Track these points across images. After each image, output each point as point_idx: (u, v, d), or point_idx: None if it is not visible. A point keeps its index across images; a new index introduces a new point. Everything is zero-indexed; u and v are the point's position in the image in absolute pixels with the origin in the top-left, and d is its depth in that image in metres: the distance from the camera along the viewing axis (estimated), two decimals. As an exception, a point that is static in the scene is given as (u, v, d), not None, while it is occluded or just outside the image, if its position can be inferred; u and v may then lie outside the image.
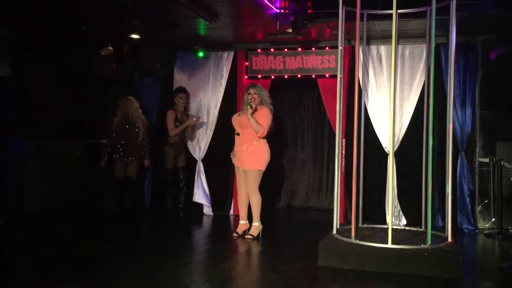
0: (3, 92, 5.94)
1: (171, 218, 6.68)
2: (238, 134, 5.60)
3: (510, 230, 6.07)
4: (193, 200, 7.04)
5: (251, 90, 5.56)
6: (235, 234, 5.60)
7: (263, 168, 5.49)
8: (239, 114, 5.69)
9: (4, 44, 6.12)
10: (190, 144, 7.05)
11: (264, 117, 5.41)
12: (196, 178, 7.07)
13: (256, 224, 5.50)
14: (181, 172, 6.82)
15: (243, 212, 5.66)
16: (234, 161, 5.73)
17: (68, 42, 6.50)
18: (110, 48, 6.54)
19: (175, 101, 6.73)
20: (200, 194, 7.06)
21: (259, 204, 5.47)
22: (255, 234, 5.48)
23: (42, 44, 6.40)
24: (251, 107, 5.34)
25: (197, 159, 7.09)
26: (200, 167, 7.08)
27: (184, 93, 6.77)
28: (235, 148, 5.64)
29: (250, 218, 5.61)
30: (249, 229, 5.58)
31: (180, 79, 7.22)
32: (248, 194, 5.50)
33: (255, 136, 5.43)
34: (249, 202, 5.56)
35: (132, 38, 6.55)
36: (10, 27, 5.97)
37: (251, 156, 5.44)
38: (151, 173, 7.23)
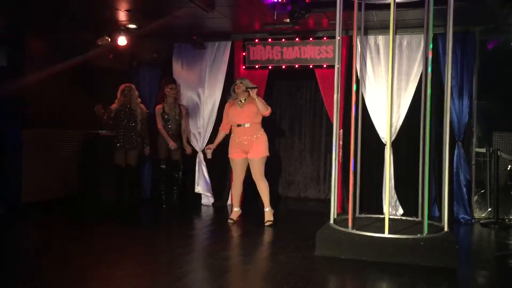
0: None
1: (166, 208, 6.71)
2: (243, 125, 5.60)
3: (506, 220, 6.12)
4: (195, 191, 7.08)
5: (238, 81, 5.72)
6: (230, 221, 5.75)
7: (268, 153, 5.71)
8: (240, 106, 5.65)
9: (0, 34, 6.09)
10: (191, 135, 7.06)
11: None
12: (197, 168, 7.09)
13: (267, 210, 5.69)
14: (177, 164, 6.83)
15: (237, 201, 5.87)
16: (210, 155, 5.92)
17: (65, 31, 6.46)
18: (107, 37, 6.51)
19: (165, 93, 6.69)
20: (201, 184, 7.09)
21: (268, 189, 5.69)
22: (272, 218, 5.66)
23: (38, 34, 6.37)
24: (254, 88, 5.46)
25: (198, 149, 7.09)
26: (201, 157, 7.08)
27: (174, 84, 6.72)
28: (239, 140, 5.62)
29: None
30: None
31: (178, 69, 7.19)
32: (256, 182, 5.66)
33: (259, 126, 5.64)
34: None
35: (129, 28, 6.54)
36: (6, 17, 5.94)
37: (257, 144, 5.61)
38: (151, 163, 7.24)
